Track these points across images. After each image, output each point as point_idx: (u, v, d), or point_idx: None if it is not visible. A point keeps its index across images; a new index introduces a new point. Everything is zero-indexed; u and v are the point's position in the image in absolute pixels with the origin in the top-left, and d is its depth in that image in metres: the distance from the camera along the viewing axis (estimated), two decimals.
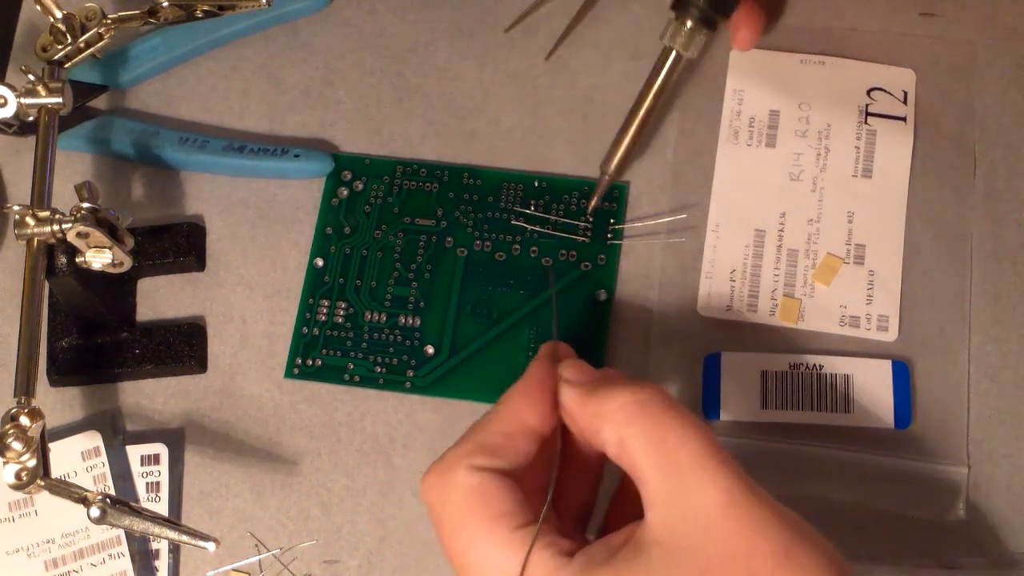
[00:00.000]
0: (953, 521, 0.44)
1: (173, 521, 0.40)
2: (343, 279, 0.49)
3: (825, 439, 0.45)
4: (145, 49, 0.53)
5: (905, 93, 0.49)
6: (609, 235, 0.48)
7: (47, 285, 0.45)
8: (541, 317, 0.47)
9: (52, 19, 0.48)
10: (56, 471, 0.42)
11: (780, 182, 0.48)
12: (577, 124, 0.51)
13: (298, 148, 0.50)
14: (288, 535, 0.46)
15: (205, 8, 0.50)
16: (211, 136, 0.51)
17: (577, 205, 0.49)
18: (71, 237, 0.44)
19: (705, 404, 0.45)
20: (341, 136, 0.52)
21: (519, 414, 0.37)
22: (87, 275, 0.45)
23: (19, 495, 0.45)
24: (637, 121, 0.47)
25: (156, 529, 0.40)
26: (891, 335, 0.46)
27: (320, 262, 0.49)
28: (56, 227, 0.43)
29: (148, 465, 0.47)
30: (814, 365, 0.45)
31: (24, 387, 0.42)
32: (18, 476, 0.40)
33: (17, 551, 0.46)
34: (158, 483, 0.47)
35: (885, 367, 0.45)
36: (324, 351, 0.48)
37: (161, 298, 0.50)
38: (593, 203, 0.48)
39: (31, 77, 0.47)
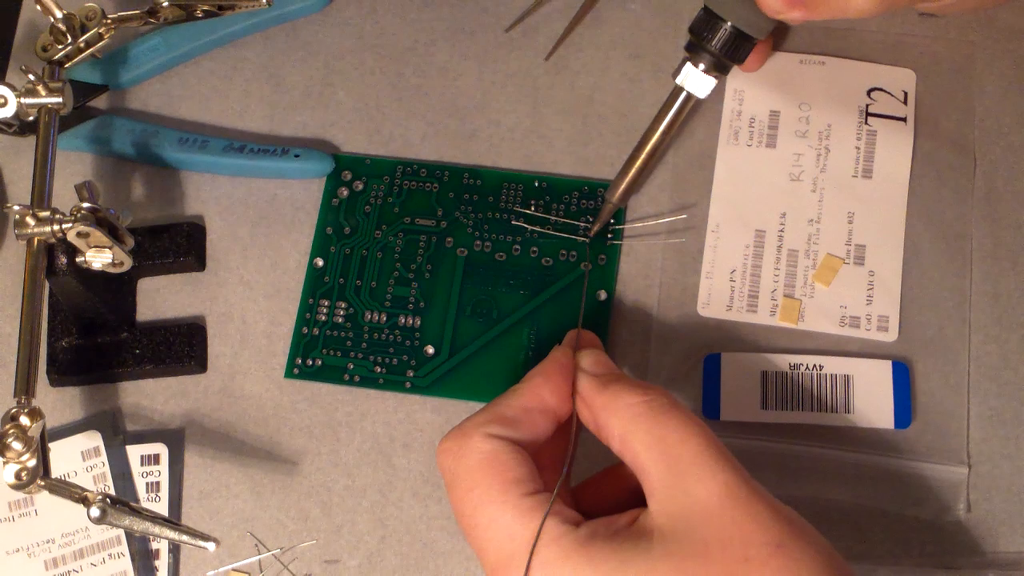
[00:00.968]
0: (953, 521, 0.44)
1: (173, 521, 0.40)
2: (343, 279, 0.49)
3: (825, 439, 0.45)
4: (145, 49, 0.53)
5: (905, 93, 0.49)
6: (609, 235, 0.48)
7: (47, 285, 0.45)
8: (541, 317, 0.47)
9: (52, 19, 0.48)
10: (56, 471, 0.42)
11: (780, 182, 0.48)
12: (577, 124, 0.51)
13: (298, 148, 0.50)
14: (288, 535, 0.46)
15: (205, 8, 0.50)
16: (211, 136, 0.51)
17: (577, 205, 0.49)
18: (71, 237, 0.44)
19: (705, 404, 0.45)
20: (341, 136, 0.52)
21: (538, 392, 0.39)
22: (87, 275, 0.45)
23: (19, 495, 0.45)
24: (644, 155, 0.47)
25: (156, 529, 0.40)
26: (891, 335, 0.46)
27: (320, 262, 0.49)
28: (56, 227, 0.43)
29: (148, 465, 0.47)
30: (814, 365, 0.45)
31: (24, 387, 0.42)
32: (18, 476, 0.40)
33: (17, 551, 0.46)
34: (158, 483, 0.47)
35: (885, 367, 0.45)
36: (324, 351, 0.48)
37: (161, 298, 0.50)
38: (596, 228, 0.48)
39: (31, 77, 0.47)
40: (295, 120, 0.52)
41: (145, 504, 0.46)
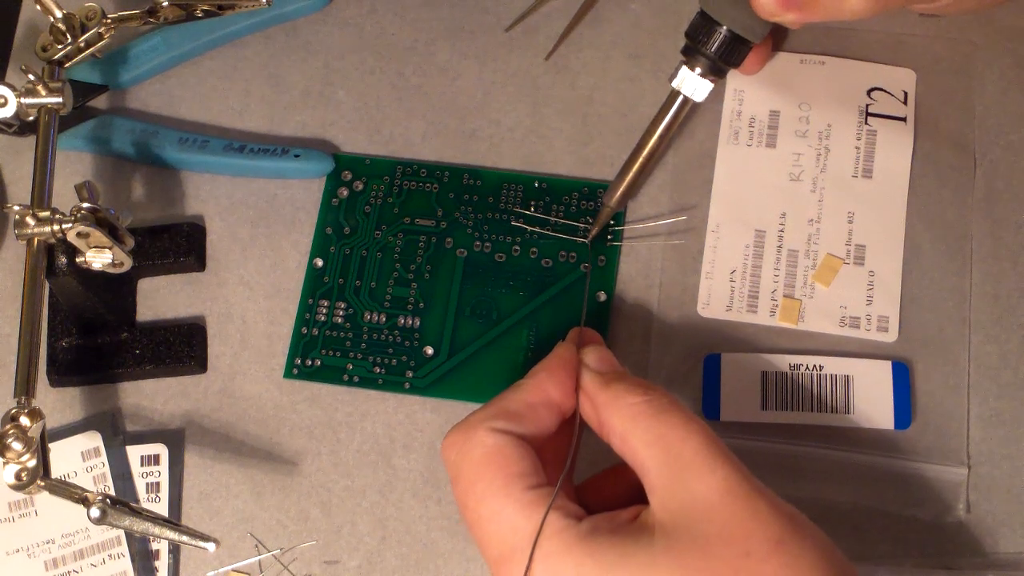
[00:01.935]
0: (953, 521, 0.44)
1: (173, 521, 0.40)
2: (343, 279, 0.49)
3: (825, 440, 0.45)
4: (145, 49, 0.53)
5: (905, 93, 0.49)
6: (609, 236, 0.48)
7: (47, 285, 0.45)
8: (540, 318, 0.47)
9: (52, 19, 0.48)
10: (56, 471, 0.42)
11: (780, 182, 0.48)
12: (577, 124, 0.51)
13: (298, 148, 0.50)
14: (288, 535, 0.46)
15: (205, 8, 0.50)
16: (211, 136, 0.51)
17: (577, 206, 0.49)
18: (71, 237, 0.44)
19: (705, 405, 0.45)
20: (341, 136, 0.52)
21: (543, 387, 0.40)
22: (87, 275, 0.45)
23: (19, 495, 0.45)
24: (641, 159, 0.47)
25: (156, 529, 0.40)
26: (891, 336, 0.46)
27: (320, 262, 0.49)
28: (56, 227, 0.43)
29: (148, 465, 0.47)
30: (814, 366, 0.45)
31: (24, 387, 0.42)
32: (18, 476, 0.40)
33: (17, 551, 0.46)
34: (158, 483, 0.47)
35: (885, 368, 0.45)
36: (324, 351, 0.48)
37: (161, 298, 0.50)
38: (594, 232, 0.48)
39: (31, 77, 0.47)
40: (295, 120, 0.52)
41: (145, 504, 0.46)
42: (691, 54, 0.45)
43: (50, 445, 0.42)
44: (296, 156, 0.50)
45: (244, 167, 0.51)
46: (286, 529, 0.46)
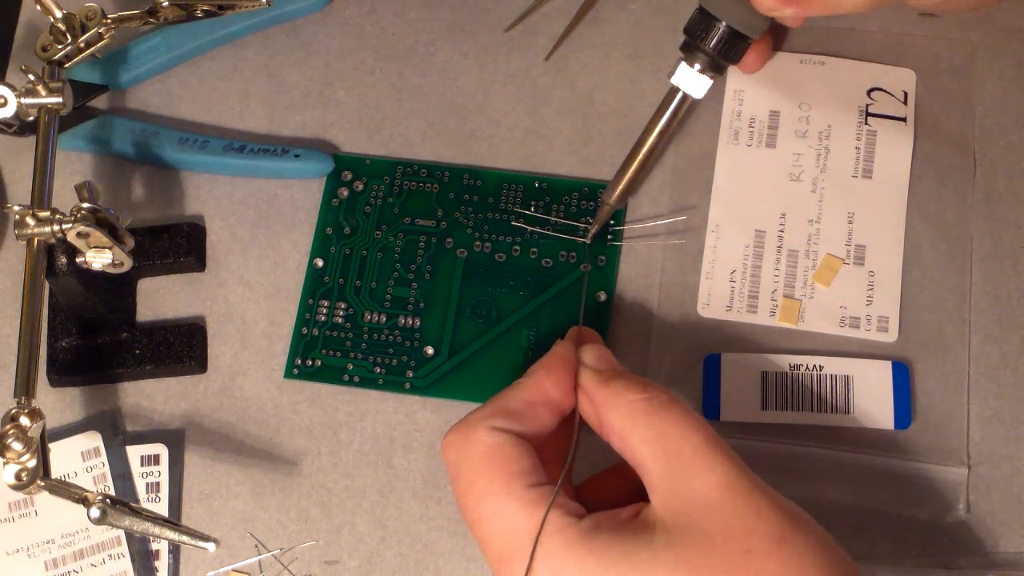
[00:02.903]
0: (953, 521, 0.44)
1: (173, 521, 0.40)
2: (343, 279, 0.49)
3: (825, 440, 0.45)
4: (145, 49, 0.53)
5: (905, 93, 0.49)
6: (609, 236, 0.48)
7: (47, 285, 0.45)
8: (540, 318, 0.47)
9: (52, 19, 0.48)
10: (56, 471, 0.42)
11: (780, 182, 0.48)
12: (577, 124, 0.51)
13: (298, 148, 0.50)
14: (288, 535, 0.46)
15: (205, 8, 0.50)
16: (211, 136, 0.51)
17: (577, 206, 0.49)
18: (71, 237, 0.44)
19: (705, 405, 0.45)
20: (341, 136, 0.52)
21: (541, 385, 0.40)
22: (87, 275, 0.45)
23: (19, 495, 0.45)
24: (640, 156, 0.47)
25: (156, 529, 0.40)
26: (891, 336, 0.46)
27: (320, 262, 0.49)
28: (56, 227, 0.43)
29: (148, 465, 0.47)
30: (814, 366, 0.45)
31: (24, 387, 0.42)
32: (18, 476, 0.40)
33: (17, 551, 0.46)
34: (158, 483, 0.47)
35: (885, 368, 0.45)
36: (324, 351, 0.48)
37: (161, 298, 0.50)
38: (594, 231, 0.48)
39: (31, 77, 0.47)
40: (295, 120, 0.52)
41: (145, 504, 0.46)
42: (690, 50, 0.45)
43: (50, 445, 0.42)
44: (296, 156, 0.50)
45: (244, 167, 0.51)
46: (286, 529, 0.46)
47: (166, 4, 0.49)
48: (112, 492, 0.46)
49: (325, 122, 0.52)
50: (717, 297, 0.47)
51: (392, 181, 0.50)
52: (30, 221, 0.44)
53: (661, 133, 0.46)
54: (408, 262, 0.49)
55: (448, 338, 0.47)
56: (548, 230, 0.49)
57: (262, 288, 0.50)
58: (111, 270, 0.45)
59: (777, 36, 0.50)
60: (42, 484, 0.40)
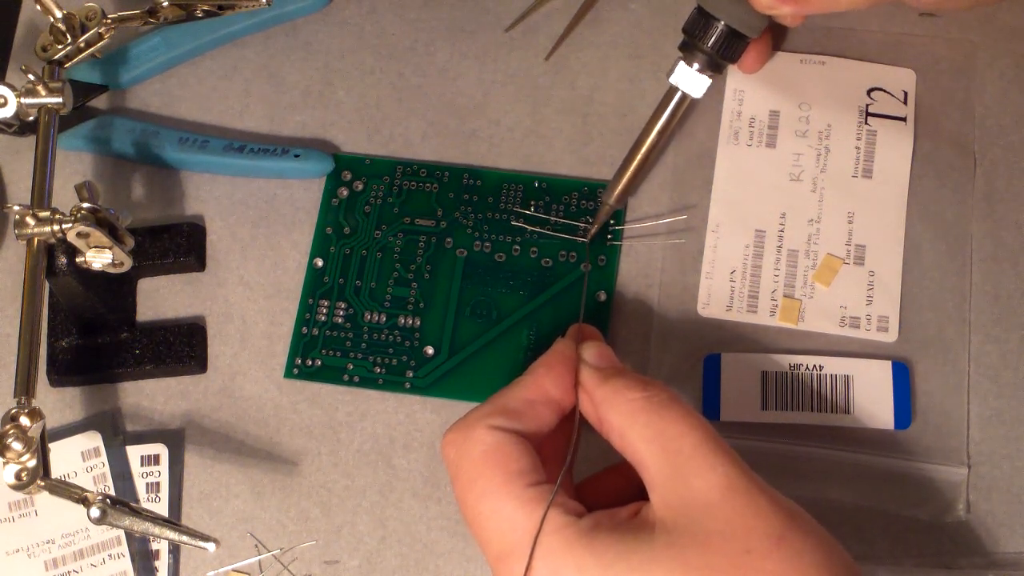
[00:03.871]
0: (953, 521, 0.44)
1: (173, 521, 0.40)
2: (343, 279, 0.49)
3: (825, 440, 0.45)
4: (145, 49, 0.53)
5: (905, 93, 0.49)
6: (609, 236, 0.48)
7: (47, 285, 0.45)
8: (540, 318, 0.47)
9: (52, 19, 0.48)
10: (56, 471, 0.42)
11: (780, 182, 0.48)
12: (577, 124, 0.51)
13: (298, 148, 0.50)
14: (288, 535, 0.46)
15: (205, 8, 0.50)
16: (211, 136, 0.51)
17: (577, 206, 0.49)
18: (71, 237, 0.44)
19: (705, 405, 0.45)
20: (341, 136, 0.52)
21: (541, 384, 0.40)
22: (87, 275, 0.45)
23: (19, 495, 0.45)
24: (640, 156, 0.47)
25: (156, 529, 0.40)
26: (891, 336, 0.46)
27: (320, 262, 0.49)
28: (56, 227, 0.43)
29: (148, 465, 0.47)
30: (814, 366, 0.45)
31: (24, 387, 0.42)
32: (18, 476, 0.40)
33: (17, 551, 0.46)
34: (158, 483, 0.47)
35: (885, 368, 0.45)
36: (324, 351, 0.48)
37: (161, 298, 0.50)
38: (594, 231, 0.48)
39: (31, 77, 0.47)
40: (295, 120, 0.52)
41: (145, 504, 0.46)
42: (689, 50, 0.45)
43: (50, 445, 0.42)
44: (296, 156, 0.50)
45: (244, 167, 0.51)
46: (286, 529, 0.46)
47: (166, 4, 0.49)
48: (112, 492, 0.46)
49: (325, 122, 0.52)
50: (717, 297, 0.47)
51: (392, 181, 0.50)
52: (30, 221, 0.44)
53: (660, 133, 0.46)
54: (408, 262, 0.49)
55: (448, 338, 0.47)
56: (548, 230, 0.49)
57: (262, 288, 0.50)
58: (111, 270, 0.45)
59: (777, 36, 0.50)
60: (42, 484, 0.40)
